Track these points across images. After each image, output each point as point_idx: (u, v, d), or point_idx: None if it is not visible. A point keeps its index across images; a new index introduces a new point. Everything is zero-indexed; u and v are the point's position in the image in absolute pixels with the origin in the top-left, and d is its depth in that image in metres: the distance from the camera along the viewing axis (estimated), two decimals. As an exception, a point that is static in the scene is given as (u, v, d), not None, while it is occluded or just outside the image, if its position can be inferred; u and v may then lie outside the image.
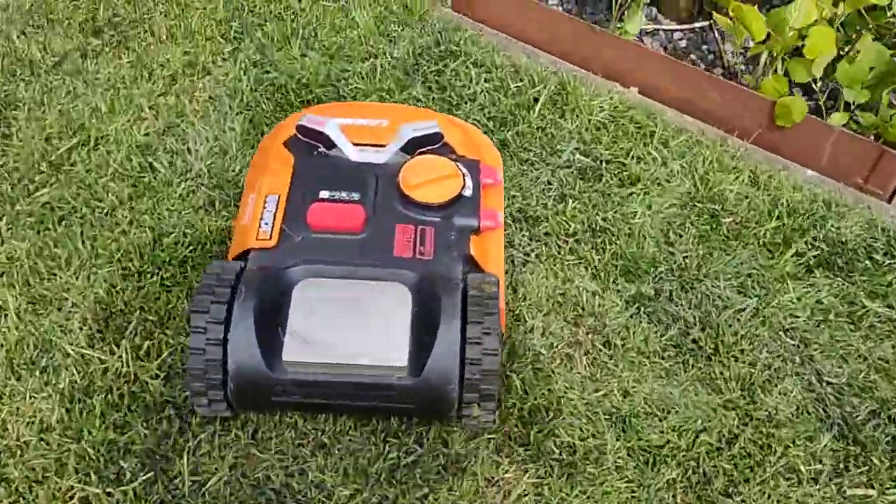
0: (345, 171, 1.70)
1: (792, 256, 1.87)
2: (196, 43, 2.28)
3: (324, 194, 1.64)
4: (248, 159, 1.99)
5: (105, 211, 1.89)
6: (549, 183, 1.99)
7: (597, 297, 1.80)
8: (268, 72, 2.21)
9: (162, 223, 1.86)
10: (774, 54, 2.09)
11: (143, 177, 1.96)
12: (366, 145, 1.77)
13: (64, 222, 1.87)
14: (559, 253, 1.87)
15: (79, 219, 1.87)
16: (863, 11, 2.02)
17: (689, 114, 2.20)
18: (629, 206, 1.95)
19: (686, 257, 1.87)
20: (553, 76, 2.23)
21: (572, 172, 2.02)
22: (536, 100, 2.16)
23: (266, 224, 1.61)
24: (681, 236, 1.91)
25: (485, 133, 2.03)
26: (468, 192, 1.69)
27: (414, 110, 2.02)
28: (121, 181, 1.95)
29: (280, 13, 2.39)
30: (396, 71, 2.23)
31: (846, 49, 2.09)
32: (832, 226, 1.94)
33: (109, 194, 1.92)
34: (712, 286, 1.82)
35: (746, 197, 1.99)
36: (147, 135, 2.05)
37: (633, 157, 2.05)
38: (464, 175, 1.71)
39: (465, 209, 1.67)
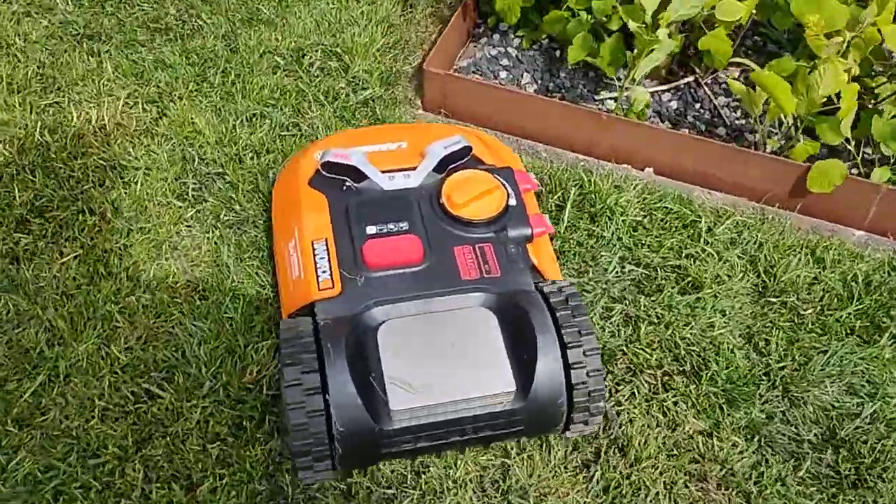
0: (383, 201, 1.66)
1: (888, 340, 1.74)
2: (150, 214, 1.90)
3: (371, 230, 1.60)
4: (256, 347, 1.65)
5: (109, 469, 1.51)
6: (608, 307, 1.77)
7: (713, 437, 1.60)
8: (243, 227, 1.87)
9: (189, 469, 1.50)
10: (801, 120, 1.96)
11: (142, 408, 1.59)
12: (394, 171, 1.72)
13: (62, 498, 1.48)
14: (653, 392, 1.65)
15: (78, 489, 1.48)
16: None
17: (716, 188, 2.04)
18: (702, 317, 1.75)
19: (782, 366, 1.69)
20: (567, 172, 2.01)
21: (628, 287, 1.81)
22: (561, 207, 1.94)
23: (324, 272, 1.54)
24: (768, 342, 1.73)
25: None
26: (513, 202, 1.67)
27: (429, 127, 2.00)
28: (115, 422, 1.57)
29: (238, 154, 2.04)
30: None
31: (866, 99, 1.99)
32: (912, 293, 1.82)
33: (108, 444, 1.53)
34: (821, 394, 1.65)
35: (816, 279, 1.84)
36: (129, 349, 1.66)
37: (686, 257, 1.86)
38: (503, 185, 1.68)
39: (516, 219, 1.65)
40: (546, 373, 1.43)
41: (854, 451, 1.57)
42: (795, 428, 1.62)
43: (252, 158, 2.00)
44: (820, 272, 1.85)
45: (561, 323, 1.46)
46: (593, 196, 1.94)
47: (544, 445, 1.55)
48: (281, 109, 2.11)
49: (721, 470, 1.56)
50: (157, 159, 1.98)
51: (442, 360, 1.44)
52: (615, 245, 1.87)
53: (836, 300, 1.81)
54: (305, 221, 1.63)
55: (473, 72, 2.31)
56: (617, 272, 1.83)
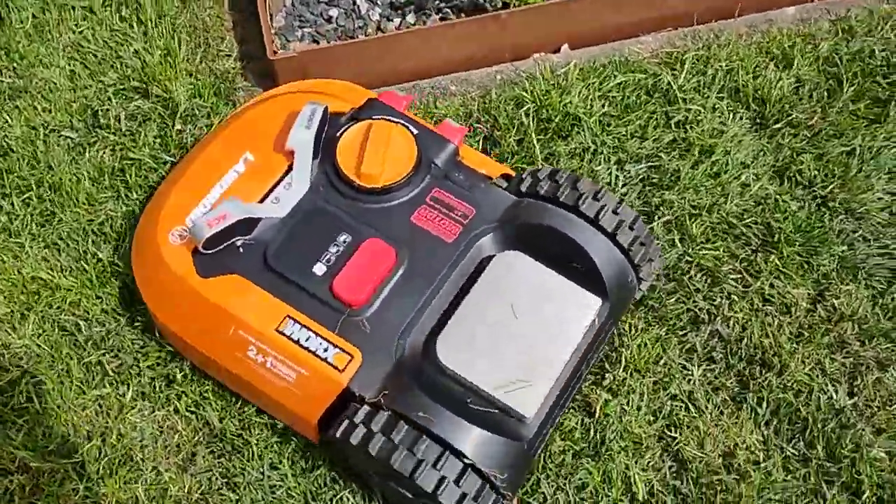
0: (299, 231, 1.35)
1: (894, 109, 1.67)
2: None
3: (320, 268, 1.31)
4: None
5: None
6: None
7: (822, 300, 1.48)
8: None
9: None
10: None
11: None
12: (270, 189, 1.39)
13: None
14: (744, 285, 1.49)
15: None
16: None
17: (641, 32, 1.79)
18: (731, 181, 1.57)
19: (828, 187, 1.57)
20: (494, 96, 1.67)
21: (644, 189, 1.58)
22: (521, 140, 1.62)
23: (326, 349, 1.25)
24: (801, 171, 1.59)
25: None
26: (415, 130, 1.43)
27: (246, 115, 1.51)
28: None
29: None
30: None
31: None
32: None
33: None
34: (874, 196, 1.58)
35: (797, 81, 1.70)
36: None
37: (676, 126, 1.64)
38: (390, 120, 1.43)
39: (433, 145, 1.42)
40: (607, 263, 1.33)
41: None
42: (877, 240, 1.55)
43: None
44: (797, 73, 1.71)
45: (576, 205, 1.33)
46: (545, 111, 1.64)
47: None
48: (121, 197, 1.57)
49: (853, 327, 1.47)
50: None
51: (520, 331, 1.27)
52: (602, 153, 1.62)
53: (826, 94, 1.69)
54: (243, 315, 1.27)
55: (300, 26, 1.83)
56: (623, 179, 1.60)
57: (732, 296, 1.50)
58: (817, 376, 1.44)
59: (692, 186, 1.58)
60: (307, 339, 1.25)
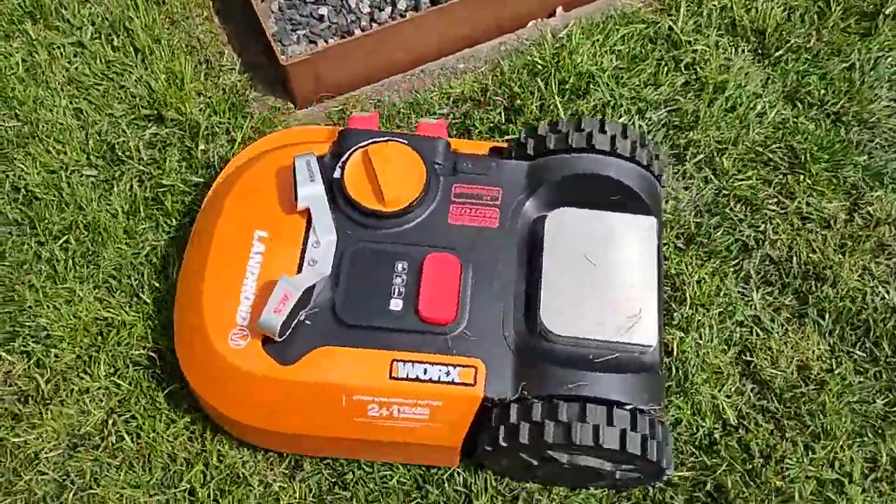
0: (355, 276, 1.31)
1: (884, 22, 1.75)
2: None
3: (395, 304, 1.28)
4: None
5: None
6: (674, 168, 1.60)
7: (856, 211, 1.56)
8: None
9: None
10: None
11: None
12: (301, 259, 1.32)
13: None
14: (781, 208, 1.56)
15: None
16: None
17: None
18: (749, 112, 1.64)
19: (837, 104, 1.65)
20: (507, 68, 1.69)
21: (670, 133, 1.63)
22: (543, 104, 1.65)
23: (450, 372, 1.23)
24: (808, 91, 1.67)
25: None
26: (406, 141, 1.40)
27: (241, 187, 1.41)
28: None
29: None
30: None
31: None
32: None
33: None
34: (881, 105, 1.66)
35: (787, 9, 1.77)
36: None
37: (685, 68, 1.69)
38: (378, 141, 1.39)
39: (428, 147, 1.40)
40: (639, 185, 1.38)
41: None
42: (892, 146, 1.63)
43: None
44: (785, 0, 1.78)
45: (590, 145, 1.37)
46: (559, 73, 1.67)
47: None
48: (161, 226, 1.55)
49: (890, 229, 1.55)
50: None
51: (604, 275, 1.31)
52: (622, 105, 1.66)
53: (817, 17, 1.76)
54: (350, 380, 1.23)
55: (293, 29, 1.82)
56: (647, 126, 1.64)
57: (774, 219, 1.57)
58: (868, 280, 1.51)
59: (713, 123, 1.64)
60: (425, 372, 1.24)
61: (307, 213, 1.33)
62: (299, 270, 1.30)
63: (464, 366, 1.24)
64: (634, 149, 1.38)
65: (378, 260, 1.31)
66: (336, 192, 1.35)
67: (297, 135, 1.54)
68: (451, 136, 1.62)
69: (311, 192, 1.32)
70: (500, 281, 1.31)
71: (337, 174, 1.36)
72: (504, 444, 1.21)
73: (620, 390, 1.22)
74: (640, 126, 1.64)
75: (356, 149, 1.37)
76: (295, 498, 1.33)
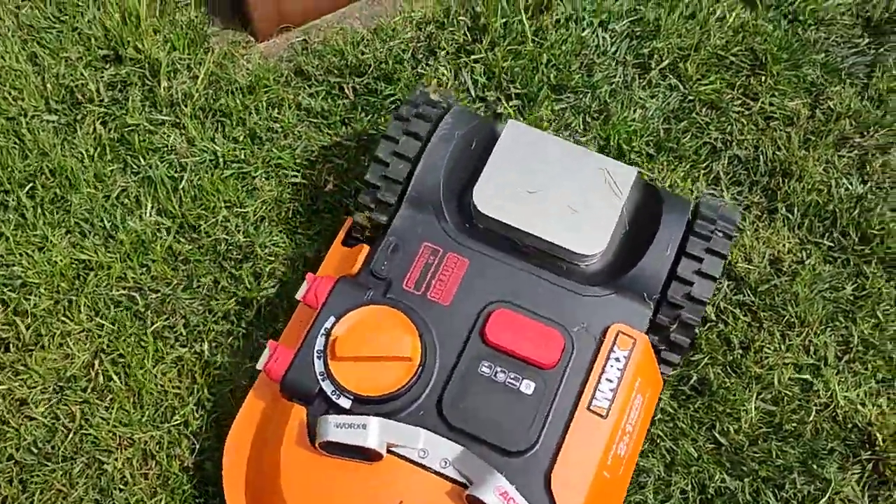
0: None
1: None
2: None
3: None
4: None
5: None
6: (648, 79, 1.61)
7: (817, 106, 1.60)
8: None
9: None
10: None
11: None
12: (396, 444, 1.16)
13: None
14: (752, 97, 1.59)
15: None
16: None
17: None
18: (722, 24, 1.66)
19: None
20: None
21: (634, 45, 1.64)
22: (507, 28, 1.64)
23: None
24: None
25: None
26: (339, 310, 1.22)
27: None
28: None
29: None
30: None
31: None
32: None
33: None
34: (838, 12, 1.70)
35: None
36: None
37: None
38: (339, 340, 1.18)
39: (345, 296, 1.22)
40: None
41: None
42: (847, 42, 1.67)
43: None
44: None
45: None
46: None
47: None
48: (129, 166, 1.52)
49: (850, 123, 1.59)
50: None
51: None
52: (584, 18, 1.65)
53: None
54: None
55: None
56: (610, 39, 1.64)
57: (739, 121, 1.59)
58: (832, 173, 1.56)
59: (675, 31, 1.65)
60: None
61: None
62: None
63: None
64: None
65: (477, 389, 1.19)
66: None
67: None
68: (419, 59, 1.62)
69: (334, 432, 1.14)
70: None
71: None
72: None
73: None
74: (604, 38, 1.64)
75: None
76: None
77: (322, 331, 1.18)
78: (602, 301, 1.25)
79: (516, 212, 1.29)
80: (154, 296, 1.43)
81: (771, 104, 1.61)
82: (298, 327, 1.29)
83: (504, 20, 1.65)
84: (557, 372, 1.19)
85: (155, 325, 1.40)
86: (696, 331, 1.36)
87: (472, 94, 1.60)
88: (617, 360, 1.21)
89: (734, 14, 1.67)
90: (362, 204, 1.34)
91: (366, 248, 1.32)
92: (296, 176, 1.53)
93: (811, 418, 1.39)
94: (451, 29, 1.64)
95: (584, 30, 1.66)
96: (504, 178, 1.32)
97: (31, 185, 1.51)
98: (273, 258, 1.46)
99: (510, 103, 1.58)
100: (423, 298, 1.23)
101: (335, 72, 1.61)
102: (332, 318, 1.18)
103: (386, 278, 1.24)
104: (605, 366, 1.21)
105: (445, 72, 1.60)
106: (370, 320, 1.18)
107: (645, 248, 1.30)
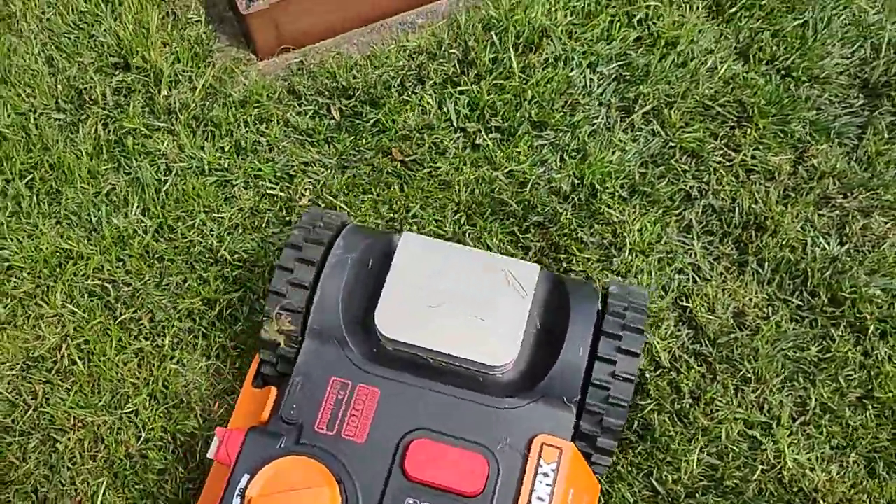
0: None
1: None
2: None
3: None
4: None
5: None
6: (628, 122, 1.63)
7: (801, 163, 1.59)
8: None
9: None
10: None
11: None
12: None
13: None
14: (727, 159, 1.59)
15: None
16: None
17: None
18: (699, 67, 1.66)
19: (788, 59, 1.67)
20: (462, 22, 1.72)
21: (620, 87, 1.65)
22: (496, 60, 1.68)
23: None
24: (761, 48, 1.68)
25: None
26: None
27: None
28: None
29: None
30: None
31: None
32: None
33: None
34: (834, 59, 1.68)
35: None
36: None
37: (637, 23, 1.72)
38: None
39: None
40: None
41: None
42: (842, 101, 1.65)
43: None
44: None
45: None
46: (516, 28, 1.70)
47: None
48: (122, 167, 1.61)
49: (833, 182, 1.57)
50: None
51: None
52: (574, 59, 1.69)
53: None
54: None
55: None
56: (597, 81, 1.67)
57: (718, 171, 1.59)
58: (809, 231, 1.54)
59: (663, 78, 1.66)
60: None
61: None
62: None
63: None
64: None
65: None
66: None
67: None
68: (407, 86, 1.66)
69: None
70: None
71: None
72: None
73: None
74: (591, 80, 1.67)
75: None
76: (234, 423, 1.39)
77: (237, 491, 1.13)
78: (522, 412, 1.20)
79: (421, 331, 1.24)
80: (126, 289, 1.50)
81: (753, 157, 1.60)
82: (216, 486, 1.26)
83: (494, 55, 1.69)
84: (485, 499, 1.15)
85: (123, 317, 1.48)
86: (623, 433, 1.33)
87: (454, 123, 1.64)
88: (545, 474, 1.16)
89: (726, 66, 1.67)
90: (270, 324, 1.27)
91: (274, 391, 1.27)
92: (274, 188, 1.59)
93: (755, 476, 1.36)
94: (441, 60, 1.69)
95: (572, 70, 1.68)
96: (404, 295, 1.26)
97: (30, 176, 1.61)
98: (241, 264, 1.53)
99: (489, 135, 1.62)
100: (336, 439, 1.17)
101: (325, 93, 1.68)
102: (247, 476, 1.13)
103: (296, 422, 1.18)
104: (532, 485, 1.15)
105: (430, 100, 1.65)
106: (285, 476, 1.13)
107: (558, 347, 1.24)
